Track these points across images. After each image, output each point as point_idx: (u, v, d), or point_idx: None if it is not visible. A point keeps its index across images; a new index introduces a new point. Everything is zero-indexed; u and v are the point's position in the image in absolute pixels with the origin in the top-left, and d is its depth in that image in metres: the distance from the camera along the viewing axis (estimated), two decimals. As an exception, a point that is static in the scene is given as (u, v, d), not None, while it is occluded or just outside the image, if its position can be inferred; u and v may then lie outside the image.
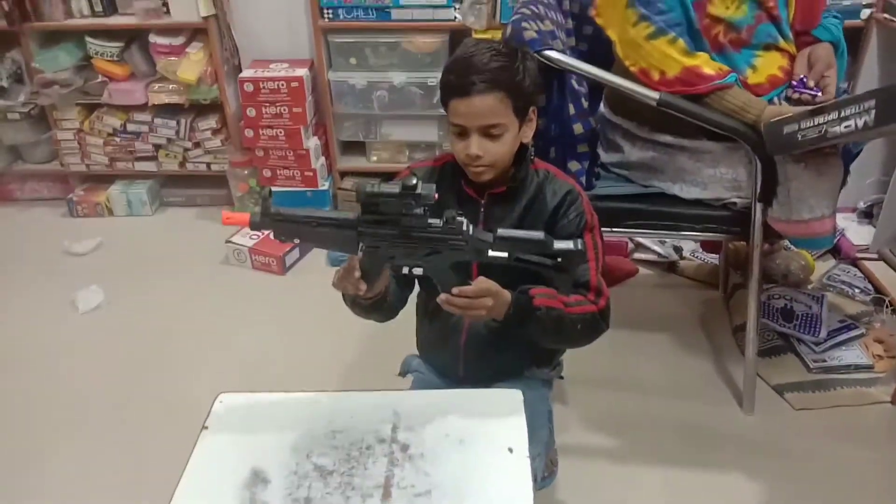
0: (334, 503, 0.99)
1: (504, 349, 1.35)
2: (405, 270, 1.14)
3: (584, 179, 1.69)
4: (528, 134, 1.28)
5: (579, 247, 1.09)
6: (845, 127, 1.37)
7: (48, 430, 1.95)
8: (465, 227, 1.10)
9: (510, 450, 1.07)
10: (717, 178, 1.68)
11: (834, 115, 1.39)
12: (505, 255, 1.11)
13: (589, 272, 1.27)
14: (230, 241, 2.65)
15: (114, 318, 2.41)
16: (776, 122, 1.51)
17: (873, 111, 1.33)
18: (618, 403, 1.98)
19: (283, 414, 1.16)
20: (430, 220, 1.08)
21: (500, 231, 1.10)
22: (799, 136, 1.47)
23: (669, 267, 2.52)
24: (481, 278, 1.16)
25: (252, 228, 1.10)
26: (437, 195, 1.05)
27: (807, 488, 1.71)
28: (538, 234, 1.10)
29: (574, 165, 1.69)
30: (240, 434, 1.12)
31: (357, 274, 1.13)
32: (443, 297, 1.15)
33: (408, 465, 1.05)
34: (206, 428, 1.13)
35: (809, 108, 1.48)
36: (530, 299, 1.20)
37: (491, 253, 1.11)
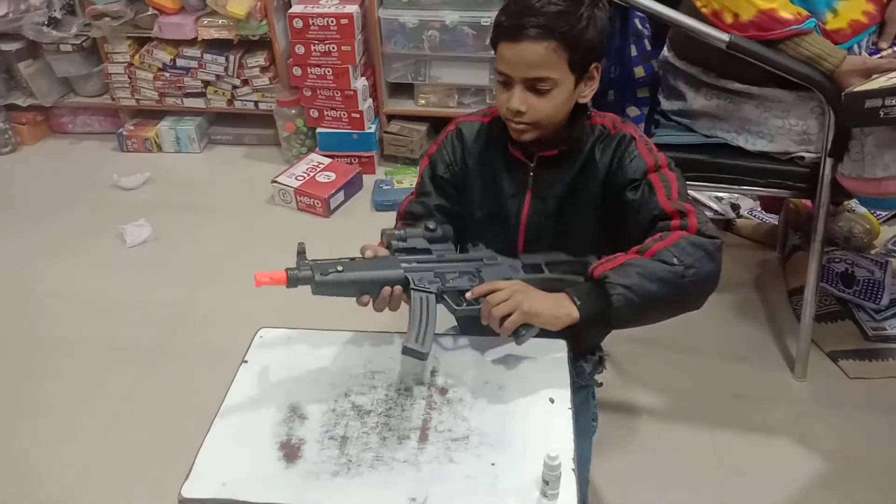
0: (371, 443, 0.97)
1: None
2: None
3: (642, 126, 1.61)
4: (586, 93, 1.14)
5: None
6: None
7: (94, 360, 2.00)
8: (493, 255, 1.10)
9: (551, 400, 1.04)
10: (785, 129, 1.58)
11: None
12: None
13: (657, 202, 1.09)
14: (276, 182, 2.64)
15: (160, 252, 2.44)
16: (859, 93, 1.41)
17: None
18: (664, 362, 1.93)
19: (323, 351, 1.14)
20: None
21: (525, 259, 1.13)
22: (881, 113, 1.36)
23: (725, 225, 2.42)
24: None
25: (290, 286, 1.02)
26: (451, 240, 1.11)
27: (858, 460, 1.64)
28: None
29: (633, 111, 1.61)
30: (279, 369, 1.11)
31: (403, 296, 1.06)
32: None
33: (446, 410, 1.02)
34: (246, 362, 1.12)
35: None
36: (590, 277, 1.04)
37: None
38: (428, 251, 1.08)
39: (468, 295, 1.05)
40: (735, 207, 2.45)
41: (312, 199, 2.59)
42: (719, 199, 2.46)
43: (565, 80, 1.09)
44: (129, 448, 1.72)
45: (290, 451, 0.97)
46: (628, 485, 1.60)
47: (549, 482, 0.88)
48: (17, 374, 1.96)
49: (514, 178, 1.21)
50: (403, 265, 1.06)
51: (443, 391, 1.05)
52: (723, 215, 2.43)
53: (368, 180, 2.74)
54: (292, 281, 1.01)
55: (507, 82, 1.12)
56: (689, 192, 2.34)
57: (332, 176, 2.65)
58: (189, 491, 0.92)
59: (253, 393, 1.07)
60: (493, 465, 0.94)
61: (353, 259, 1.06)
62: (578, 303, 1.03)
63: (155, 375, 1.93)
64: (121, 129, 3.05)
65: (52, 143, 3.15)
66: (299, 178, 2.64)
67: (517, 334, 1.03)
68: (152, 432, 1.74)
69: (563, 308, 1.03)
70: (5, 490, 1.63)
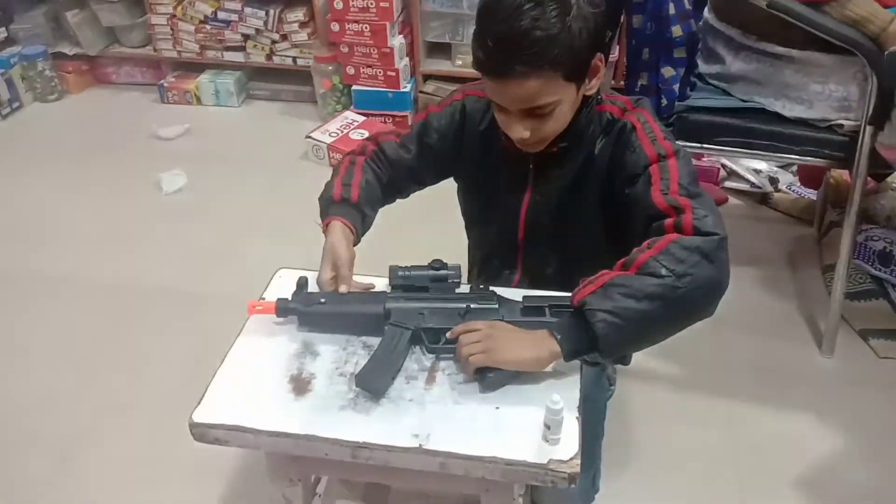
0: (378, 381, 0.99)
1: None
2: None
3: (677, 87, 1.58)
4: (592, 84, 1.04)
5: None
6: None
7: (125, 298, 2.05)
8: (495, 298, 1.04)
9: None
10: (825, 95, 1.54)
11: None
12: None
13: (651, 199, 0.99)
14: (310, 137, 2.66)
15: (194, 200, 2.48)
16: None
17: None
18: (687, 332, 1.86)
19: (339, 293, 1.15)
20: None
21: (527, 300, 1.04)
22: None
23: (762, 199, 2.37)
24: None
25: (279, 315, 1.07)
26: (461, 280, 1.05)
27: (879, 440, 1.61)
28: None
29: (668, 71, 1.58)
30: (294, 307, 1.12)
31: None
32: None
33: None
34: (264, 299, 1.14)
35: None
36: (570, 307, 0.96)
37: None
38: (425, 289, 1.06)
39: (448, 334, 1.01)
40: (773, 181, 2.39)
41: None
42: (758, 172, 2.40)
43: (566, 95, 1.00)
44: (156, 384, 1.77)
45: (300, 385, 0.99)
46: (641, 452, 1.60)
47: (550, 426, 0.89)
48: (51, 309, 2.03)
49: (512, 170, 1.14)
50: (390, 301, 1.04)
51: (454, 336, 1.06)
52: (760, 188, 2.37)
53: (402, 140, 2.74)
54: (280, 311, 1.07)
55: (503, 109, 1.03)
56: (724, 160, 2.35)
57: (366, 133, 2.66)
58: (200, 416, 0.95)
59: (268, 329, 1.09)
60: (497, 408, 0.95)
61: (344, 294, 1.07)
62: (559, 337, 0.94)
63: (183, 316, 1.98)
64: (162, 81, 3.09)
65: (96, 92, 3.21)
66: (333, 134, 2.65)
67: (483, 378, 0.96)
68: (178, 370, 1.78)
69: (542, 348, 0.94)
70: (35, 420, 1.69)
